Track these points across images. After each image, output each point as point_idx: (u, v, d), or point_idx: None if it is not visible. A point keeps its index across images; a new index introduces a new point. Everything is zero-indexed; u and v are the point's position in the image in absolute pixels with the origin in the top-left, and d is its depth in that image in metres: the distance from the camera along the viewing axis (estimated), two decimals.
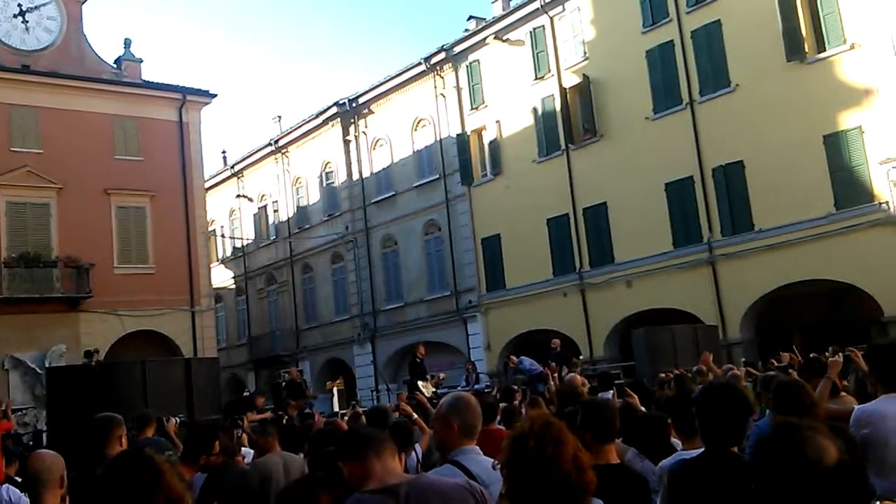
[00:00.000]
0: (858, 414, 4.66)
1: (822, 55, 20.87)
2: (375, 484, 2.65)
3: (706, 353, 11.83)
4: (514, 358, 19.72)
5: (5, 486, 5.48)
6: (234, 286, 40.22)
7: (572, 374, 14.35)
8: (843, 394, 6.37)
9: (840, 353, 7.56)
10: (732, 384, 4.13)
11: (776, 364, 13.26)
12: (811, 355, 9.72)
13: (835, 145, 20.44)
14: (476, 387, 19.23)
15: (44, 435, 15.71)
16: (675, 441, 5.37)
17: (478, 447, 3.84)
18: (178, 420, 8.39)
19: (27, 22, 26.21)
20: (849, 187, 20.19)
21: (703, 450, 3.60)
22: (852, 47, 20.27)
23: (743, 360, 16.65)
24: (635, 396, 7.27)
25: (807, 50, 21.08)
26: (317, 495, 3.01)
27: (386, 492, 2.59)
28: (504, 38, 28.29)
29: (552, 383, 14.26)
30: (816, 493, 1.98)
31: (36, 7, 26.38)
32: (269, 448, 6.79)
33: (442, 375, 19.80)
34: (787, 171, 20.84)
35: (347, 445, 2.90)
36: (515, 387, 12.59)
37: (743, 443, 3.61)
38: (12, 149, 24.77)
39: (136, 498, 2.44)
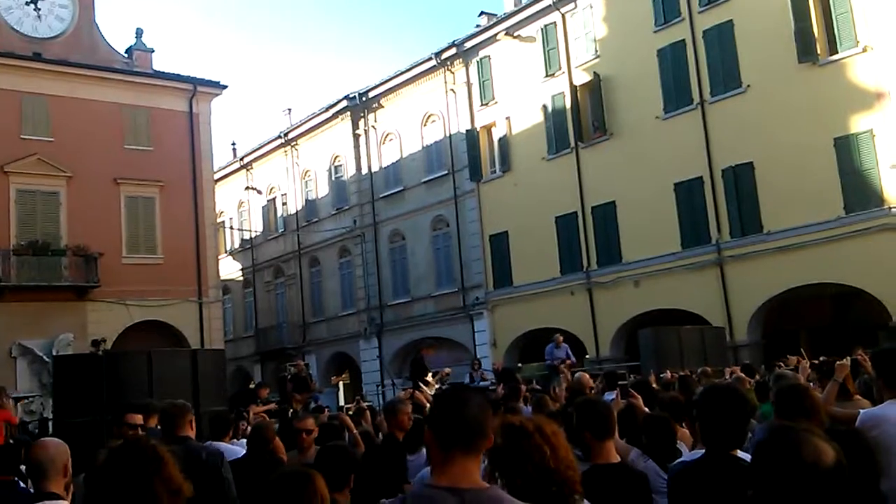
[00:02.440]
0: (864, 417, 4.63)
1: (835, 57, 20.76)
2: (446, 481, 2.46)
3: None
4: (560, 337, 20.31)
5: None
6: (241, 278, 40.28)
7: (581, 372, 14.31)
8: (857, 397, 6.30)
9: (848, 357, 7.54)
10: (734, 387, 4.12)
11: (783, 367, 13.21)
12: (821, 358, 9.67)
13: (845, 148, 20.34)
14: (481, 384, 19.16)
15: (49, 423, 15.78)
16: (680, 442, 5.37)
17: None
18: None
19: (39, 10, 26.28)
20: (859, 191, 20.10)
21: (703, 452, 3.61)
22: (865, 50, 20.16)
23: (744, 362, 16.46)
24: (639, 397, 7.22)
25: (819, 52, 20.96)
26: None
27: (452, 491, 2.42)
28: (515, 34, 28.23)
29: (564, 381, 14.22)
30: (814, 496, 1.98)
31: None
32: (311, 444, 6.49)
33: (447, 371, 19.45)
34: (797, 174, 20.75)
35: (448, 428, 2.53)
36: (524, 386, 12.50)
37: (744, 445, 3.59)
38: (23, 136, 24.87)
39: (136, 485, 2.45)
